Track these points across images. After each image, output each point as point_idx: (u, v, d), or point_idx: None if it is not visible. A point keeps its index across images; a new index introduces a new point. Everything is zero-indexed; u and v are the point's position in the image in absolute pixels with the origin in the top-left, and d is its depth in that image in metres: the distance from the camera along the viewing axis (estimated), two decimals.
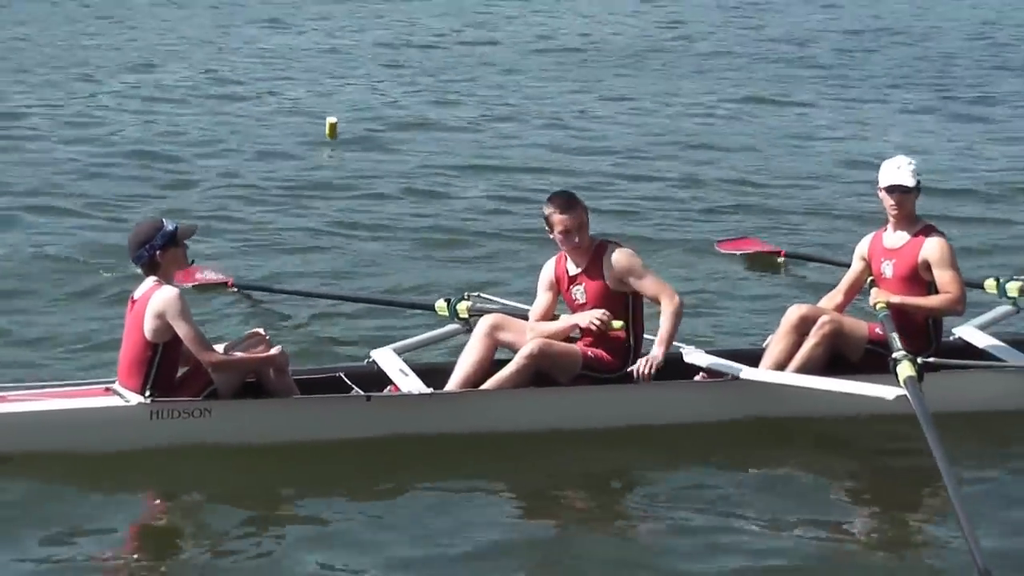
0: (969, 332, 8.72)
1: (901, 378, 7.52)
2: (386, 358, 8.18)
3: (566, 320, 8.03)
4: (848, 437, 8.02)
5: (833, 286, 8.83)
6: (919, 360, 7.68)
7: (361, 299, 10.27)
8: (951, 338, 8.60)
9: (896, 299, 8.15)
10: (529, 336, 7.93)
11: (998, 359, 8.46)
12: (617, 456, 7.75)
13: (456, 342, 8.80)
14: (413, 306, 9.70)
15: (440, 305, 9.06)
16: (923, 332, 8.22)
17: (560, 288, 8.11)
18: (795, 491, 7.47)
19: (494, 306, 8.99)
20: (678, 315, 7.92)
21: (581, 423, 7.82)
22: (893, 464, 7.88)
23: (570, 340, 7.97)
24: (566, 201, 7.95)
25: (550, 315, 8.14)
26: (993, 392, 8.21)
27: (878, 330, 8.13)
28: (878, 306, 8.15)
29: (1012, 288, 9.34)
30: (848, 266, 8.82)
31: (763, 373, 8.06)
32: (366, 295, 10.44)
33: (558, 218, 7.88)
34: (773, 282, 11.33)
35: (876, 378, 7.77)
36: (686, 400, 8.08)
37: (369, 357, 8.29)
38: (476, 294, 9.24)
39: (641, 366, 7.84)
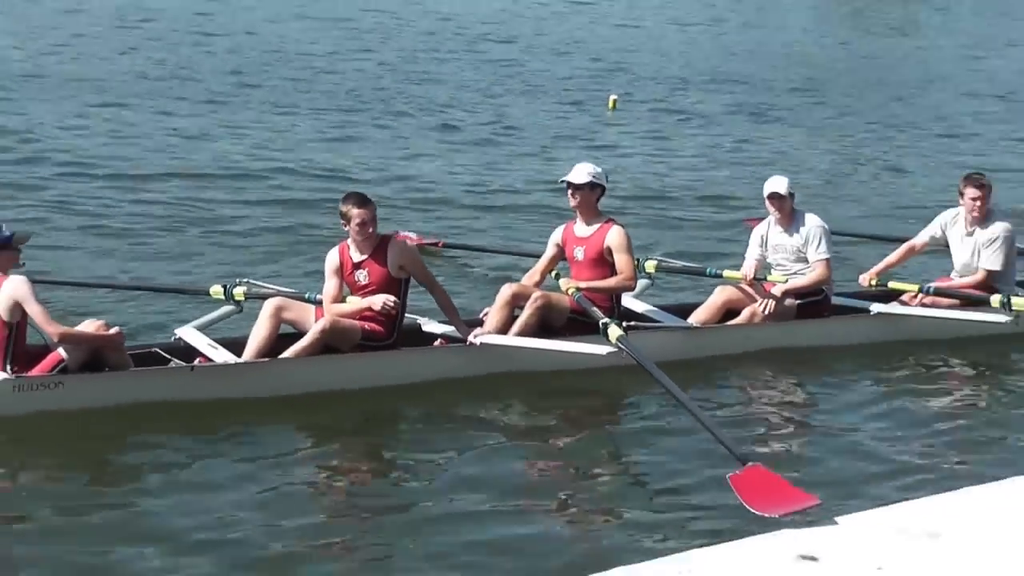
0: (628, 301, 10.78)
1: (613, 337, 9.32)
2: (191, 335, 9.58)
3: (360, 302, 9.53)
4: (567, 385, 9.77)
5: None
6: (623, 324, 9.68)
7: (142, 287, 11.20)
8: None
9: (583, 285, 10.07)
10: (329, 315, 9.43)
11: (659, 321, 10.69)
12: (388, 407, 9.36)
13: (231, 322, 10.14)
14: (189, 291, 10.78)
15: (216, 290, 10.27)
16: (609, 304, 10.20)
17: (343, 272, 9.63)
18: (536, 426, 9.28)
19: (265, 290, 10.29)
20: (451, 299, 9.81)
21: (360, 383, 9.38)
22: (617, 400, 9.78)
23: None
24: (362, 198, 9.59)
25: (340, 296, 9.62)
26: (672, 346, 10.26)
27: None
28: (570, 290, 10.05)
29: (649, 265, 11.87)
30: (499, 252, 11.50)
31: (498, 338, 9.89)
32: (147, 284, 11.37)
33: (356, 212, 9.45)
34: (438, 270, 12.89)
35: (585, 339, 9.73)
36: (438, 362, 9.80)
37: (175, 335, 9.67)
38: (247, 280, 10.48)
39: (472, 338, 9.74)
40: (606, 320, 9.65)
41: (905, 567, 6.06)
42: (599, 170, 10.36)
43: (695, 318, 10.83)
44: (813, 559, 6.12)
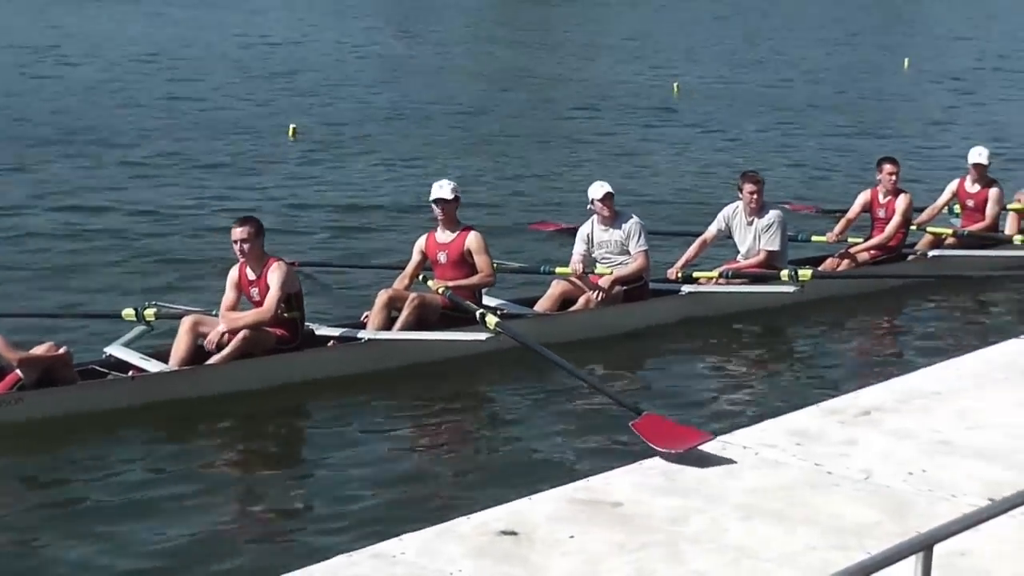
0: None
1: (491, 324, 10.66)
2: (120, 351, 10.47)
3: (253, 313, 10.52)
4: (451, 371, 10.95)
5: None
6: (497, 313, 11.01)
7: (58, 315, 11.88)
8: None
9: (451, 284, 11.28)
10: (228, 322, 10.38)
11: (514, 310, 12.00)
12: (296, 402, 10.40)
13: (144, 341, 10.88)
14: (103, 316, 11.49)
15: (128, 312, 11.02)
16: (474, 299, 11.40)
17: (242, 286, 10.66)
18: (428, 408, 10.34)
19: (173, 309, 11.17)
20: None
21: (274, 382, 10.37)
22: (501, 379, 10.88)
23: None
24: (241, 219, 10.56)
25: (237, 307, 10.57)
26: (530, 330, 11.09)
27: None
28: (440, 290, 11.25)
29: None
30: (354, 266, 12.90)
31: (388, 333, 11.04)
32: (62, 311, 12.05)
33: (233, 232, 10.46)
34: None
35: (463, 329, 10.98)
36: (338, 359, 10.85)
37: (104, 353, 10.54)
38: (155, 302, 11.31)
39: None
40: (482, 310, 10.96)
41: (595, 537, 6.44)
42: (455, 184, 11.67)
43: (539, 308, 12.18)
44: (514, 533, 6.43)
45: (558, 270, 12.59)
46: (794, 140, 25.43)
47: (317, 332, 11.11)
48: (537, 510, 6.72)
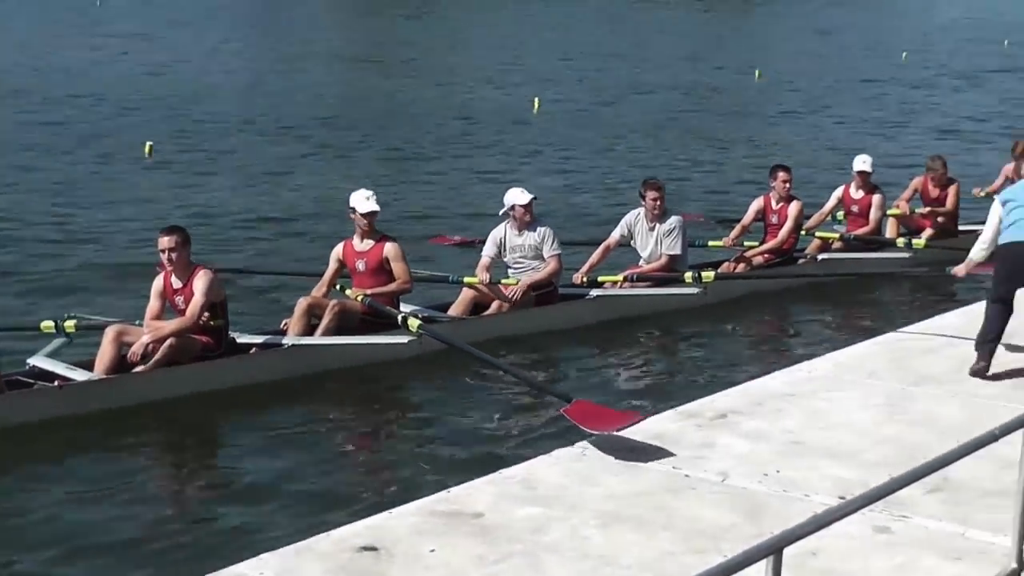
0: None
1: (414, 327, 10.76)
2: (45, 362, 10.33)
3: (177, 322, 10.54)
4: (373, 376, 11.15)
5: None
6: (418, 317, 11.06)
7: None
8: None
9: (369, 291, 11.39)
10: (152, 332, 10.39)
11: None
12: (221, 407, 10.46)
13: (67, 352, 10.78)
14: (21, 328, 11.32)
15: (47, 325, 10.82)
16: (393, 305, 11.53)
17: (167, 296, 10.58)
18: (353, 411, 10.64)
19: (92, 321, 11.01)
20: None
21: (200, 388, 10.39)
22: (418, 385, 11.19)
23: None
24: (167, 229, 10.61)
25: (162, 316, 10.54)
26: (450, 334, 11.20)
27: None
28: (359, 297, 11.37)
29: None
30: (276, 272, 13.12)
31: (310, 339, 11.13)
32: None
33: (159, 241, 10.48)
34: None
35: (385, 334, 11.08)
36: (261, 365, 10.91)
37: (28, 364, 10.40)
38: (74, 314, 11.13)
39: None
40: (404, 314, 11.08)
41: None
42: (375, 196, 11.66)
43: (452, 313, 12.35)
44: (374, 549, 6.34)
45: (466, 280, 12.68)
46: (651, 153, 25.15)
47: (239, 340, 11.04)
48: (398, 524, 6.60)
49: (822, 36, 57.81)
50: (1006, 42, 54.00)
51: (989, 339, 9.45)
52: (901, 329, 11.15)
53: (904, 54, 47.26)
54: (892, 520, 6.71)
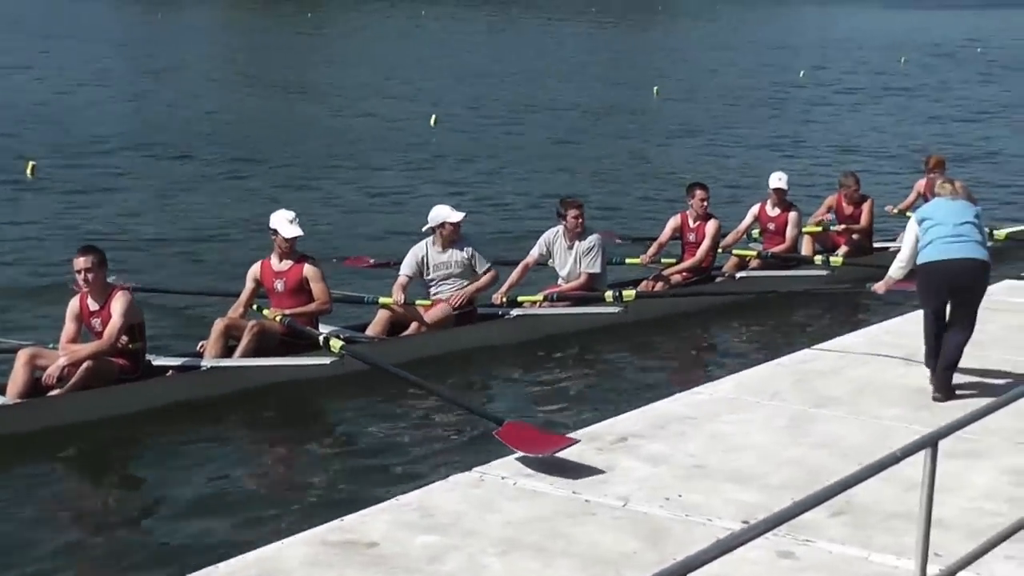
0: None
1: (336, 348, 10.70)
2: None
3: (94, 345, 10.38)
4: (295, 396, 11.03)
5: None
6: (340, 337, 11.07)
7: None
8: None
9: (289, 311, 11.33)
10: (68, 355, 10.21)
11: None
12: (138, 430, 10.28)
13: None
14: None
15: None
16: (312, 325, 11.50)
17: (83, 318, 10.40)
18: (275, 431, 10.56)
19: (6, 343, 11.04)
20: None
21: (118, 411, 10.25)
22: (337, 406, 11.01)
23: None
24: (82, 249, 10.46)
25: (78, 339, 10.42)
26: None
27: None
28: (278, 318, 11.19)
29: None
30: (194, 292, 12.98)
31: (230, 360, 10.98)
32: None
33: (75, 262, 10.32)
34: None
35: (306, 355, 11.02)
36: (179, 387, 10.78)
37: None
38: None
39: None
40: (326, 334, 10.98)
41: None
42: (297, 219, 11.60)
43: (369, 332, 12.19)
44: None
45: (381, 300, 12.53)
46: (545, 173, 24.90)
47: (155, 363, 10.90)
48: (290, 555, 6.45)
49: (723, 51, 58.21)
50: (903, 59, 54.51)
51: (933, 355, 9.55)
52: (808, 348, 11.18)
53: (802, 72, 47.54)
54: (796, 544, 6.67)
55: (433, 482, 7.71)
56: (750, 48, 61.80)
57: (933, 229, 9.55)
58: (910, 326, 11.17)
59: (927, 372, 9.70)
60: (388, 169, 24.61)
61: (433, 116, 31.12)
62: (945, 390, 9.48)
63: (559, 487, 7.49)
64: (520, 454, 7.90)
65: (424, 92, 37.57)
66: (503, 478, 7.62)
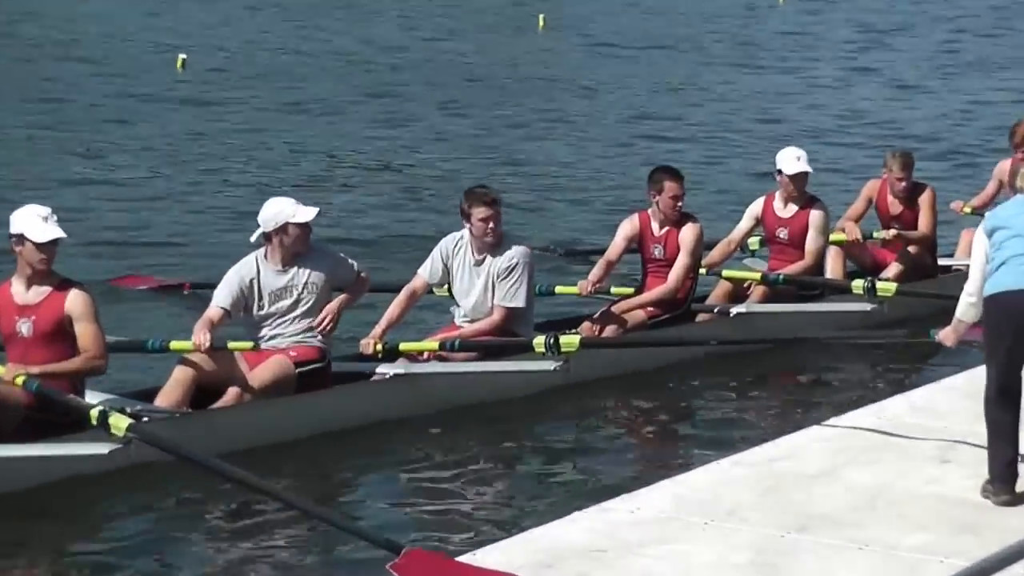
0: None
1: (120, 429, 8.21)
2: None
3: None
4: (52, 504, 8.43)
5: None
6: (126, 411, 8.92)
7: None
8: None
9: (38, 370, 8.64)
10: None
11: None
12: None
13: None
14: None
15: None
16: (76, 390, 9.09)
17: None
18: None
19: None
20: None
21: None
22: (133, 511, 8.68)
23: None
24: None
25: None
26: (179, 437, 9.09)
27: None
28: (20, 379, 8.65)
29: None
30: None
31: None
32: None
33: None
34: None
35: (69, 439, 8.68)
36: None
37: None
38: None
39: None
40: (101, 407, 8.99)
41: None
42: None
43: (162, 401, 9.67)
44: None
45: (174, 345, 10.14)
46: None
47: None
48: None
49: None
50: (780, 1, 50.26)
51: (1000, 457, 8.00)
52: (791, 432, 9.37)
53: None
54: None
55: None
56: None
57: (1010, 243, 8.01)
58: (949, 397, 9.72)
59: (973, 468, 8.33)
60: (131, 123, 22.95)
61: (181, 57, 29.12)
62: (1012, 489, 8.15)
63: None
64: None
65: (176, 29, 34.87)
66: None
